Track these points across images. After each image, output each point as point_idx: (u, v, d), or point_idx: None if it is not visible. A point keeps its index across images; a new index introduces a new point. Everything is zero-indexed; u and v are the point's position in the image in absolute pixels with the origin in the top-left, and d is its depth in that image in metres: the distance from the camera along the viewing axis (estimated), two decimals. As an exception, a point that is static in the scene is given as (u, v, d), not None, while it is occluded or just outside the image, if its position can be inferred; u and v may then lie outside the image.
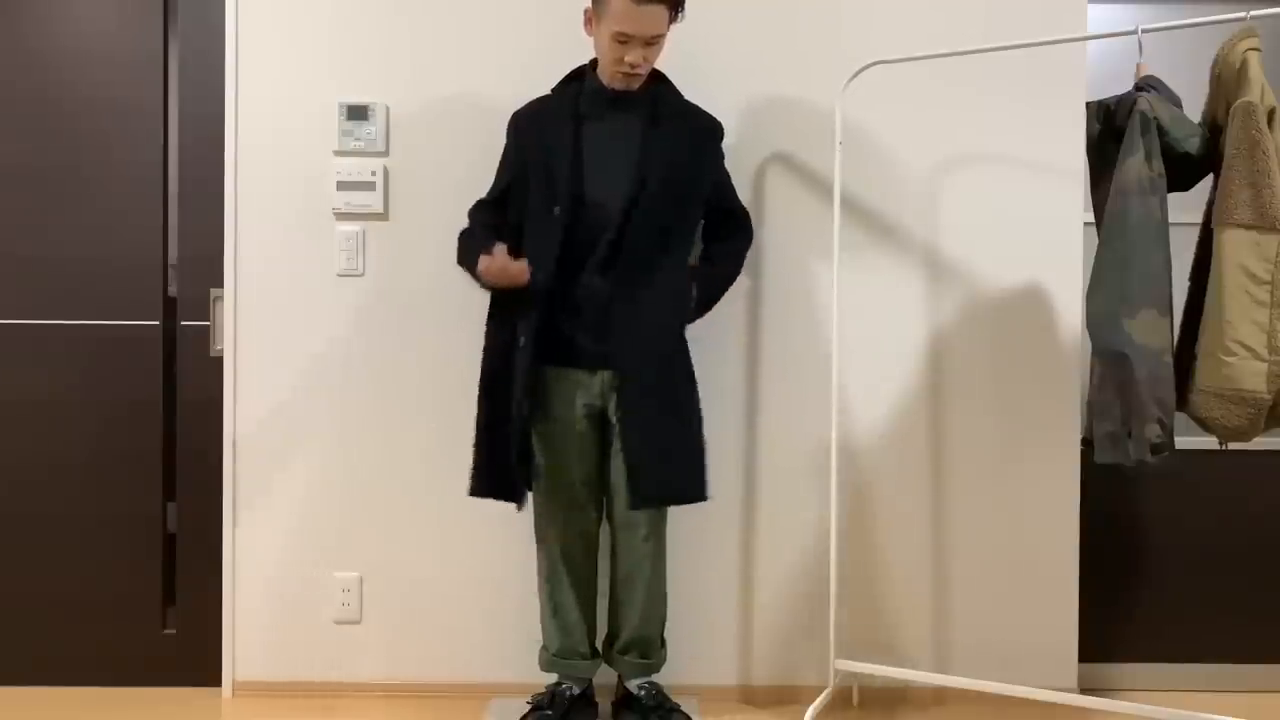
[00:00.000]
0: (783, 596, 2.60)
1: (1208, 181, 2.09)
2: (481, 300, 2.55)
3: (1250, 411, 1.96)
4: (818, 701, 2.38)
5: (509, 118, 2.37)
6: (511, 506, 2.27)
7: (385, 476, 2.58)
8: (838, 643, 2.43)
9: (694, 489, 2.28)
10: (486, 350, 2.32)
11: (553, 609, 2.38)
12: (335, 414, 2.58)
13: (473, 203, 2.41)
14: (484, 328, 2.34)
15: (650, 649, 2.39)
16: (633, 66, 2.18)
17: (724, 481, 2.58)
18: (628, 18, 2.12)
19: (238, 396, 2.57)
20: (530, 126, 2.32)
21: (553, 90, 2.35)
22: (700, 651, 2.59)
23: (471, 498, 2.31)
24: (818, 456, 2.57)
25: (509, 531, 2.56)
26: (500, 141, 2.39)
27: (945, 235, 2.57)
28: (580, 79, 2.32)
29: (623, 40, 2.15)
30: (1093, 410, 2.09)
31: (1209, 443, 2.18)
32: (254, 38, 2.56)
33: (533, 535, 2.40)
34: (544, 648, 2.41)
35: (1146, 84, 2.12)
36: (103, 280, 2.61)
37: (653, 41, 2.18)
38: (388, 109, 2.56)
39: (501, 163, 2.40)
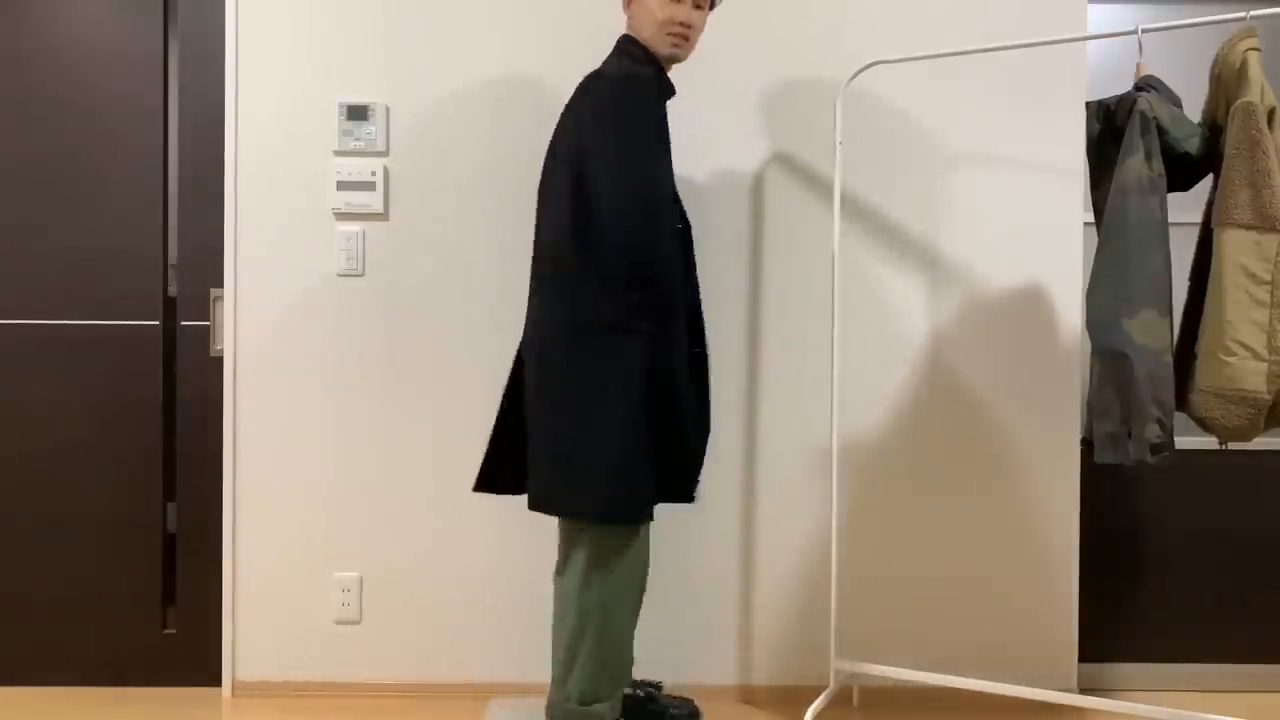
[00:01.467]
0: (783, 597, 2.61)
1: (1208, 181, 2.09)
2: (479, 301, 2.56)
3: (1250, 411, 1.96)
4: (818, 701, 2.39)
5: (639, 87, 2.07)
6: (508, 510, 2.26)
7: (385, 476, 2.58)
8: (838, 643, 2.43)
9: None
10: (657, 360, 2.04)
11: (618, 646, 2.10)
12: (335, 414, 2.58)
13: (654, 229, 2.02)
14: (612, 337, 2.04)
15: None
16: (685, 26, 2.07)
17: (724, 482, 2.58)
18: None
19: (238, 396, 2.57)
20: (662, 109, 2.10)
21: (641, 64, 2.11)
22: (700, 651, 2.59)
23: (475, 498, 2.31)
24: (818, 456, 2.58)
25: (509, 532, 2.56)
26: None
27: (945, 235, 2.57)
28: (652, 61, 2.12)
29: None
30: (1093, 410, 2.09)
31: (1209, 443, 2.19)
32: (254, 38, 2.56)
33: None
34: (582, 695, 2.08)
35: (1146, 84, 2.12)
36: (103, 280, 2.61)
37: (701, 4, 2.11)
38: (388, 109, 2.56)
39: (654, 145, 2.06)
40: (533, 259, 2.17)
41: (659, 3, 2.08)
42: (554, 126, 2.18)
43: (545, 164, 2.16)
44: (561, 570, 2.15)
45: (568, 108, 2.14)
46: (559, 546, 2.18)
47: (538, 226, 2.16)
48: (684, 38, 2.10)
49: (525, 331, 2.16)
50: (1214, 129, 2.05)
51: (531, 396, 2.10)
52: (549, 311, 2.08)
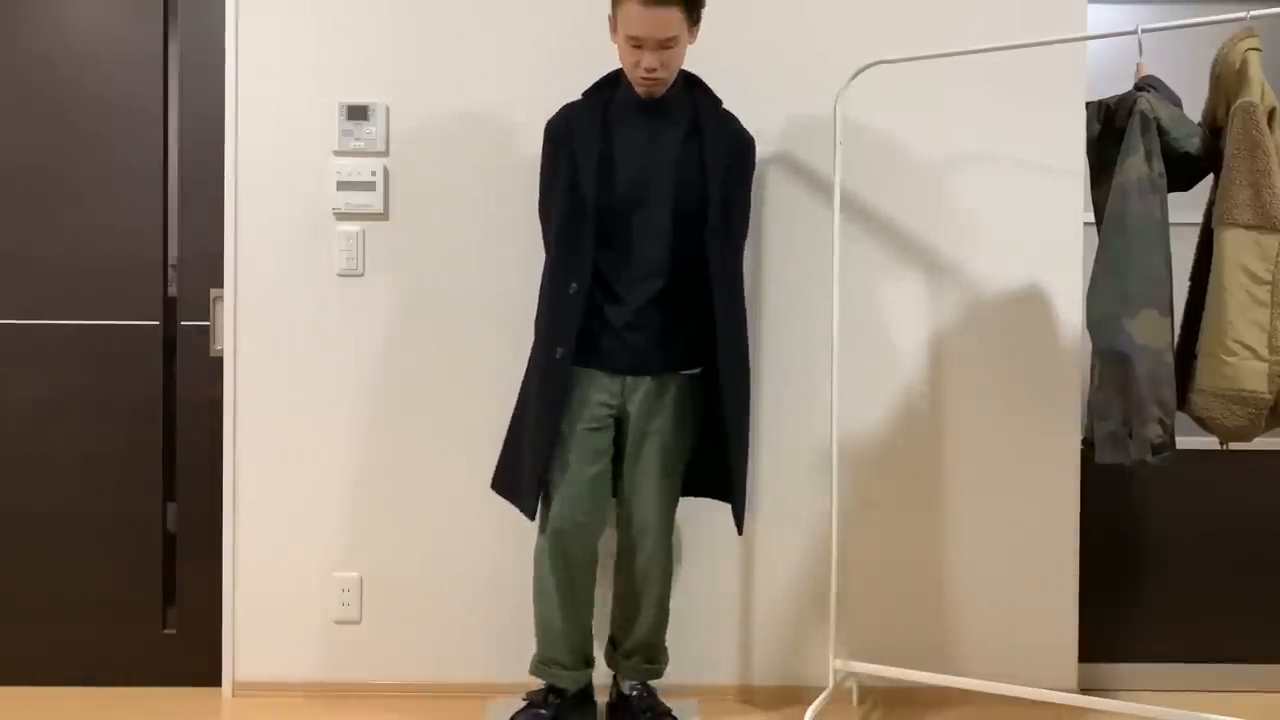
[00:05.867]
0: (783, 596, 2.60)
1: (1208, 181, 2.10)
2: (479, 301, 2.57)
3: (1250, 411, 1.96)
4: (818, 701, 2.38)
5: (545, 130, 2.30)
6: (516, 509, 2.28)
7: (385, 477, 2.58)
8: (838, 643, 2.43)
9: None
10: (531, 359, 2.30)
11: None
12: (335, 414, 2.58)
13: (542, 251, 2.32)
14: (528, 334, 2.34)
15: (656, 654, 2.40)
16: (649, 71, 2.14)
17: (724, 481, 2.58)
18: (639, 21, 2.09)
19: (238, 396, 2.57)
20: (565, 135, 2.25)
21: (584, 95, 2.30)
22: (700, 651, 2.59)
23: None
24: (818, 456, 2.57)
25: (509, 532, 2.56)
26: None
27: (945, 235, 2.57)
28: (615, 84, 2.27)
29: (636, 44, 2.12)
30: (1093, 410, 2.09)
31: (1209, 443, 2.19)
32: (254, 38, 2.56)
33: (531, 536, 2.39)
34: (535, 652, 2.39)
35: (1146, 84, 2.12)
36: (103, 280, 2.61)
37: (668, 45, 2.13)
38: (388, 109, 2.56)
39: (545, 185, 2.31)
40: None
41: (625, 48, 2.17)
42: (554, 124, 2.30)
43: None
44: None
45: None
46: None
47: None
48: (653, 80, 2.17)
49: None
50: (1214, 129, 2.05)
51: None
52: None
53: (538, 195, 2.34)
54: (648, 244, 2.23)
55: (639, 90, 2.21)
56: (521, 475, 2.27)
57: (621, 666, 2.40)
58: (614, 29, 2.19)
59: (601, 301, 2.24)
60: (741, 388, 2.30)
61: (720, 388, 2.25)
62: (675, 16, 2.11)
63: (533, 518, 2.27)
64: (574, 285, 2.19)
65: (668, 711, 2.35)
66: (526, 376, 2.31)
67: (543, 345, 2.24)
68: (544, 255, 2.31)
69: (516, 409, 2.33)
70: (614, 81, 2.28)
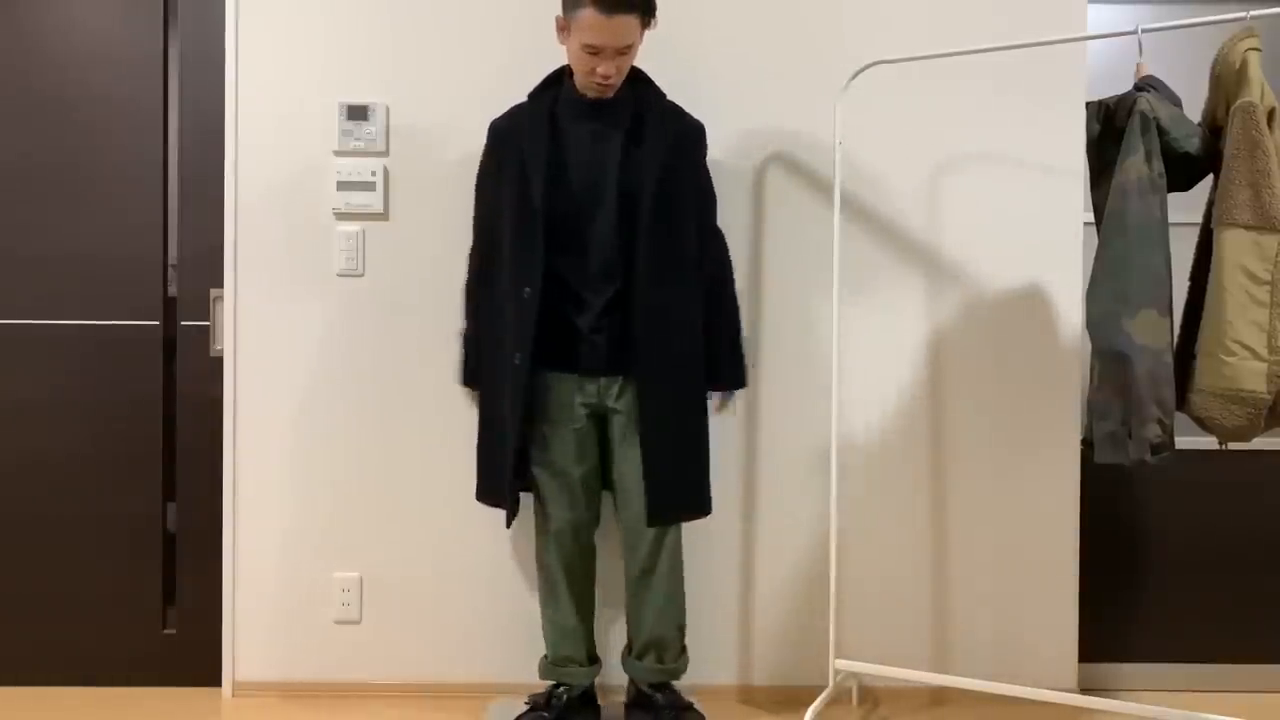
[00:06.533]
0: (783, 597, 2.60)
1: (1208, 181, 2.09)
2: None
3: (1249, 411, 1.96)
4: (818, 701, 2.38)
5: (489, 130, 2.34)
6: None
7: (385, 476, 2.58)
8: (838, 643, 2.43)
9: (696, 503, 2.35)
10: (485, 364, 2.35)
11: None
12: (335, 414, 2.58)
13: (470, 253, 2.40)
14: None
15: (666, 653, 2.36)
16: (605, 78, 2.15)
17: (724, 481, 2.57)
18: (598, 29, 2.09)
19: (238, 396, 2.57)
20: (512, 136, 2.28)
21: (529, 96, 2.30)
22: (700, 651, 2.58)
23: (474, 498, 2.33)
24: (818, 457, 2.57)
25: (508, 532, 2.56)
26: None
27: (945, 235, 2.57)
28: (558, 83, 2.29)
29: (593, 52, 2.12)
30: (1093, 410, 2.09)
31: (1209, 443, 2.19)
32: (254, 38, 2.56)
33: (531, 537, 2.40)
34: (545, 654, 2.40)
35: (1146, 84, 2.12)
36: (103, 280, 2.61)
37: (624, 51, 2.14)
38: (388, 109, 2.56)
39: (479, 184, 2.38)
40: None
41: (580, 55, 2.16)
42: (499, 125, 2.35)
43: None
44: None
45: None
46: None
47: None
48: (608, 86, 2.18)
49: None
50: (1214, 129, 2.05)
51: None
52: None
53: (477, 213, 2.39)
54: (604, 246, 2.23)
55: (590, 94, 2.21)
56: (502, 483, 2.28)
57: (635, 669, 2.37)
58: (562, 30, 2.19)
59: (567, 307, 2.23)
60: (666, 388, 2.23)
61: (638, 387, 2.21)
62: (633, 23, 2.11)
63: (509, 525, 2.30)
64: (527, 290, 2.19)
65: (689, 705, 2.34)
66: (484, 384, 2.35)
67: (503, 351, 2.25)
68: None
69: (481, 419, 2.35)
70: (558, 80, 2.29)
